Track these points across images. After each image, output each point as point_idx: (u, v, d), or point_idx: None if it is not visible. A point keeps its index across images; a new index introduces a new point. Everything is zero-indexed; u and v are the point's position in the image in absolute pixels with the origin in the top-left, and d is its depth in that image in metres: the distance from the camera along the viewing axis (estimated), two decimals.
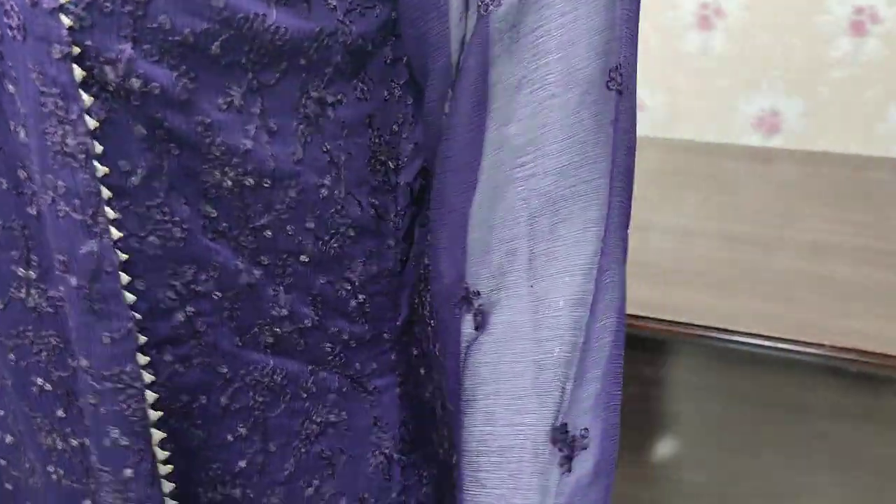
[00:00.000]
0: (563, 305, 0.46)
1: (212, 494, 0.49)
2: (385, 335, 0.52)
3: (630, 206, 0.48)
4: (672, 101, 1.54)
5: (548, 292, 0.46)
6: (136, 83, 0.38)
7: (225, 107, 0.40)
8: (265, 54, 0.40)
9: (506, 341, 0.46)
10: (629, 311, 0.49)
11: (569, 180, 0.45)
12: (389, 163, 0.49)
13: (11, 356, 0.47)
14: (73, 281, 0.41)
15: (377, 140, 0.47)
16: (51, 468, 0.50)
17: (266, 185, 0.43)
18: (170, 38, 0.37)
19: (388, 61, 0.46)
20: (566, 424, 0.46)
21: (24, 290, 0.45)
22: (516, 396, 0.46)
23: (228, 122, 0.40)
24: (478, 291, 0.47)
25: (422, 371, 0.57)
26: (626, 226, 0.48)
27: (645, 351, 1.11)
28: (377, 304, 0.51)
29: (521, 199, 0.45)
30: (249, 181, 0.42)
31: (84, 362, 0.43)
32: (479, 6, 0.43)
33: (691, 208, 1.34)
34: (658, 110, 1.55)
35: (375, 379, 0.52)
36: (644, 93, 1.54)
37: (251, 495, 0.50)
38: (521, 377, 0.46)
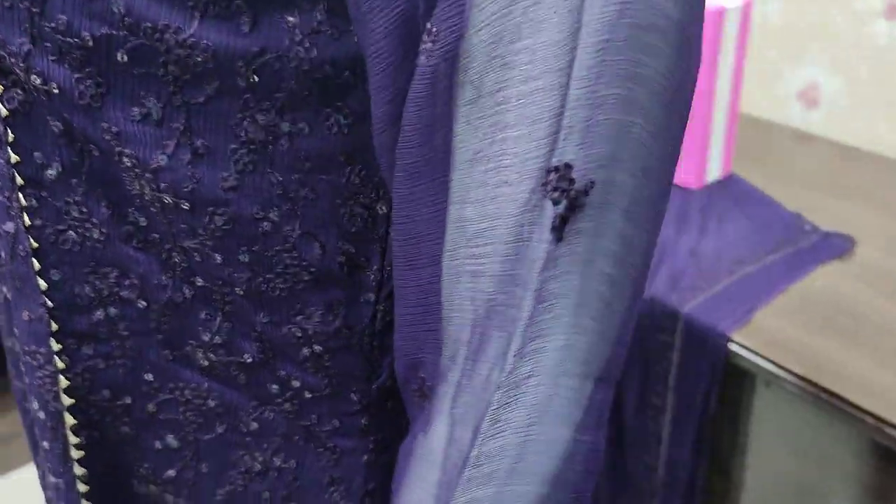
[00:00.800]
0: (463, 448, 0.35)
1: (146, 490, 0.48)
2: (353, 396, 0.45)
3: (612, 355, 0.35)
4: None
5: (456, 425, 0.36)
6: (36, 80, 0.36)
7: (139, 118, 0.36)
8: (186, 70, 0.35)
9: (422, 459, 0.38)
10: None
11: (500, 296, 0.34)
12: (378, 208, 0.41)
13: None
14: (2, 254, 0.42)
15: (357, 181, 0.40)
16: None
17: (185, 208, 0.39)
18: (68, 40, 0.35)
19: None
20: None
21: None
22: None
23: (141, 134, 0.37)
24: (431, 387, 0.39)
25: None
26: (593, 375, 0.34)
27: None
28: (341, 360, 0.44)
29: (469, 300, 0.35)
30: (167, 199, 0.38)
31: (16, 331, 0.44)
32: (422, 50, 0.33)
33: None
34: None
35: (337, 438, 0.46)
36: None
37: None
38: None
